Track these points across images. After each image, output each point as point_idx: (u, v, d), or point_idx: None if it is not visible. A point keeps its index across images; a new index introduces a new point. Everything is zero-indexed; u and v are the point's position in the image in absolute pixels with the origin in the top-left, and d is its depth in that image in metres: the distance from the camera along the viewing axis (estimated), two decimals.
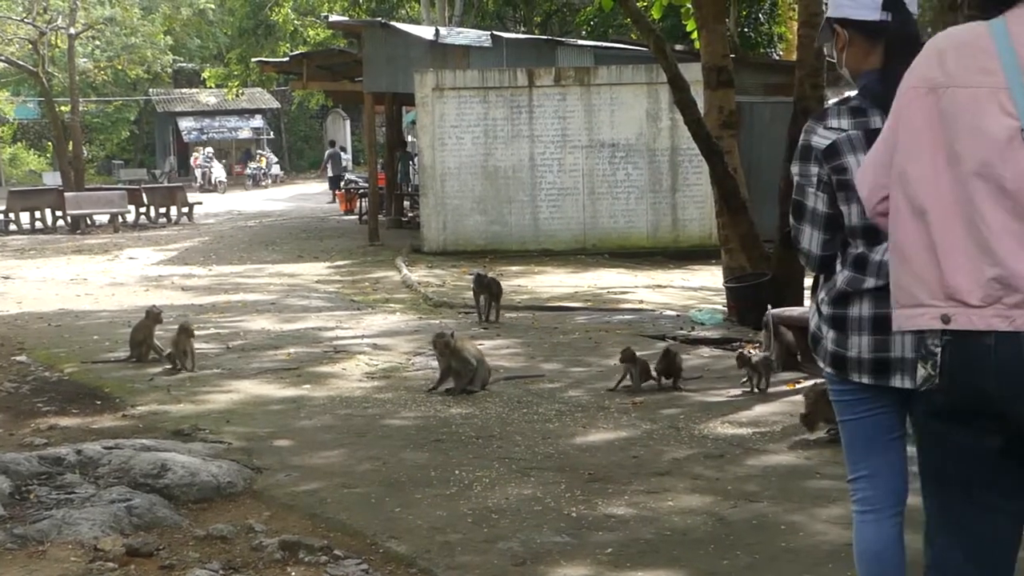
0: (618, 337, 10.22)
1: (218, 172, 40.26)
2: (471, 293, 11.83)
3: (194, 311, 12.34)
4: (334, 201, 30.82)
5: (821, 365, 3.03)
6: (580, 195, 18.63)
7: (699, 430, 6.63)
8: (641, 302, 13.24)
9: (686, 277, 16.21)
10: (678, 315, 11.78)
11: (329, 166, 29.96)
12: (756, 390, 7.57)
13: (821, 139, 2.94)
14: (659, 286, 15.12)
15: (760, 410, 7.09)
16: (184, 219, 26.89)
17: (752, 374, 7.58)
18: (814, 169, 2.95)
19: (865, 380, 2.90)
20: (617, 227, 18.66)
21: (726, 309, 11.43)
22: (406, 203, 25.81)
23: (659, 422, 6.86)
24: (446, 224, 18.59)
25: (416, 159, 22.01)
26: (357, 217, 25.83)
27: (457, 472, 5.71)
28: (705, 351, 9.57)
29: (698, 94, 11.53)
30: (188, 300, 13.50)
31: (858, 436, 3.00)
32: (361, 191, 26.43)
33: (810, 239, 2.99)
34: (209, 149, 42.08)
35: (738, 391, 7.65)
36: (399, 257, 17.75)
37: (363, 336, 10.49)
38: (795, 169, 3.00)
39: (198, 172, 40.82)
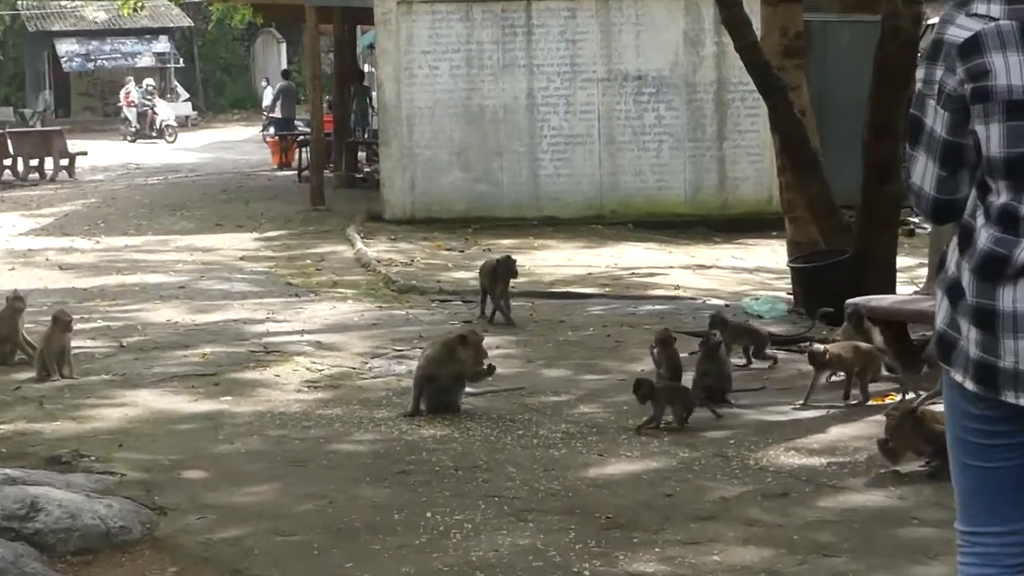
0: (645, 335, 10.18)
1: (164, 113, 38.67)
2: (451, 274, 11.76)
3: (75, 297, 12.29)
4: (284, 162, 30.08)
5: (959, 378, 2.88)
6: (595, 145, 18.59)
7: (755, 460, 6.60)
8: (677, 287, 13.21)
9: (738, 255, 16.18)
10: (727, 304, 11.76)
11: (279, 105, 29.64)
12: (847, 402, 7.61)
13: (959, 30, 2.83)
14: (701, 266, 15.09)
15: (838, 432, 7.08)
16: (63, 175, 26.81)
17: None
18: (939, 73, 2.87)
19: None
20: (645, 187, 18.63)
21: (791, 297, 11.41)
22: (361, 154, 25.75)
23: (701, 448, 6.83)
24: (415, 182, 18.55)
25: (375, 95, 21.94)
26: (295, 173, 25.78)
27: (429, 515, 5.67)
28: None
29: (753, 12, 11.49)
30: (67, 283, 13.45)
31: (1000, 487, 2.90)
32: (301, 138, 26.36)
33: (923, 173, 2.92)
34: (149, 81, 40.52)
35: (812, 406, 7.64)
36: (352, 226, 17.70)
37: (303, 332, 10.45)
38: (919, 74, 2.94)
39: (131, 113, 39.36)
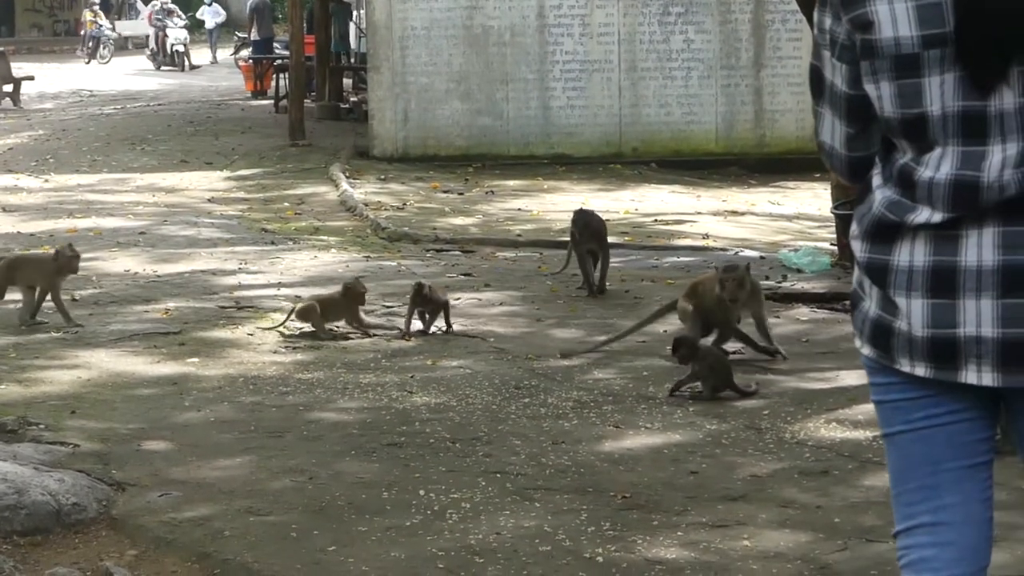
0: (670, 290, 10.21)
1: (175, 36, 37.41)
2: (448, 219, 11.73)
3: (20, 243, 12.30)
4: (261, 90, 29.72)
5: (857, 343, 2.92)
6: (615, 72, 18.55)
7: (791, 433, 6.63)
8: (706, 237, 13.22)
9: (775, 199, 16.17)
10: (763, 257, 11.77)
11: (256, 25, 29.34)
12: None
13: None
14: (734, 213, 15.09)
15: None
16: (6, 103, 26.75)
17: None
18: (828, 21, 2.85)
19: (919, 371, 2.80)
20: (671, 122, 18.61)
21: (836, 248, 11.42)
22: (347, 82, 25.69)
23: (731, 420, 6.87)
24: (408, 114, 18.53)
25: (362, 14, 21.87)
26: (272, 102, 25.71)
27: (422, 493, 5.71)
28: (803, 311, 9.59)
29: None
30: (11, 227, 13.46)
31: (913, 461, 2.91)
32: (278, 63, 26.28)
33: (832, 130, 2.93)
34: None
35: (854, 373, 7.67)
36: (336, 164, 17.69)
37: (280, 285, 10.48)
38: (815, 19, 2.91)
39: (150, 34, 38.34)
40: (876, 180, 2.86)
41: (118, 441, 6.47)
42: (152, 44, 38.09)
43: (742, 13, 18.51)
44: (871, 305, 2.86)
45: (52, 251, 9.38)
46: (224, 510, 5.54)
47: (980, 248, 2.70)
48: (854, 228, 2.89)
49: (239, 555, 5.06)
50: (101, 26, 39.09)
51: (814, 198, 15.62)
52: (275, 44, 28.79)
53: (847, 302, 10.44)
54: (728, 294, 7.82)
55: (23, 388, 7.46)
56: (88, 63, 38.03)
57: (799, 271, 10.97)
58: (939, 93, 2.70)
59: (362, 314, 8.87)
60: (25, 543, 5.21)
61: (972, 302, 2.71)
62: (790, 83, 18.48)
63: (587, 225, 10.09)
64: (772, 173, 17.74)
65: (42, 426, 6.65)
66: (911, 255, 2.77)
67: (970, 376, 2.75)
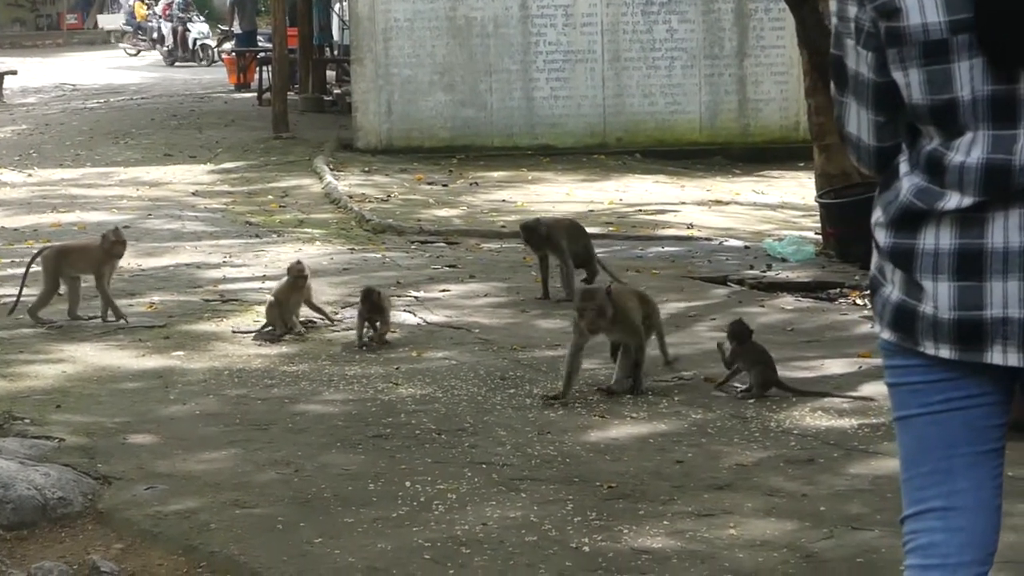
0: (654, 280, 10.22)
1: (198, 30, 36.60)
2: (433, 211, 11.72)
3: (4, 238, 12.28)
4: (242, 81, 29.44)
5: (878, 328, 2.93)
6: (598, 63, 18.55)
7: (777, 421, 6.64)
8: (691, 227, 13.23)
9: (759, 189, 16.19)
10: (747, 246, 11.78)
11: (237, 18, 29.14)
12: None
13: None
14: (718, 202, 15.10)
15: (871, 390, 7.11)
16: None
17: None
18: (851, 9, 2.83)
19: (944, 353, 2.81)
20: (655, 112, 18.61)
21: (820, 237, 11.44)
22: (330, 74, 25.64)
23: (716, 409, 6.88)
24: (391, 106, 18.51)
25: (345, 5, 21.84)
26: (256, 95, 25.68)
27: (408, 484, 5.71)
28: (788, 300, 9.60)
29: None
30: None
31: (928, 445, 2.92)
32: (261, 56, 26.23)
33: (858, 121, 2.90)
34: None
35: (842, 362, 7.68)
36: (320, 157, 17.67)
37: (264, 278, 10.46)
38: (832, 8, 2.90)
39: (167, 28, 37.14)
40: (903, 167, 2.85)
41: (104, 435, 6.46)
42: (169, 40, 37.12)
43: (725, 2, 18.51)
44: (893, 290, 2.86)
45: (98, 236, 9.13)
46: (210, 503, 5.54)
47: (1007, 230, 2.71)
48: (878, 215, 2.88)
49: (225, 547, 5.05)
50: (189, 21, 37.82)
51: (798, 187, 15.63)
52: (259, 37, 28.74)
53: (832, 291, 10.47)
54: (587, 325, 7.03)
55: (8, 383, 7.44)
56: (171, 63, 36.64)
57: (783, 260, 10.98)
58: (968, 78, 2.69)
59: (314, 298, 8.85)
60: (11, 537, 5.21)
61: (999, 284, 2.72)
62: (774, 72, 18.49)
63: (530, 236, 9.74)
64: (756, 162, 17.76)
65: (27, 420, 6.65)
66: (937, 239, 2.77)
67: (996, 357, 2.76)
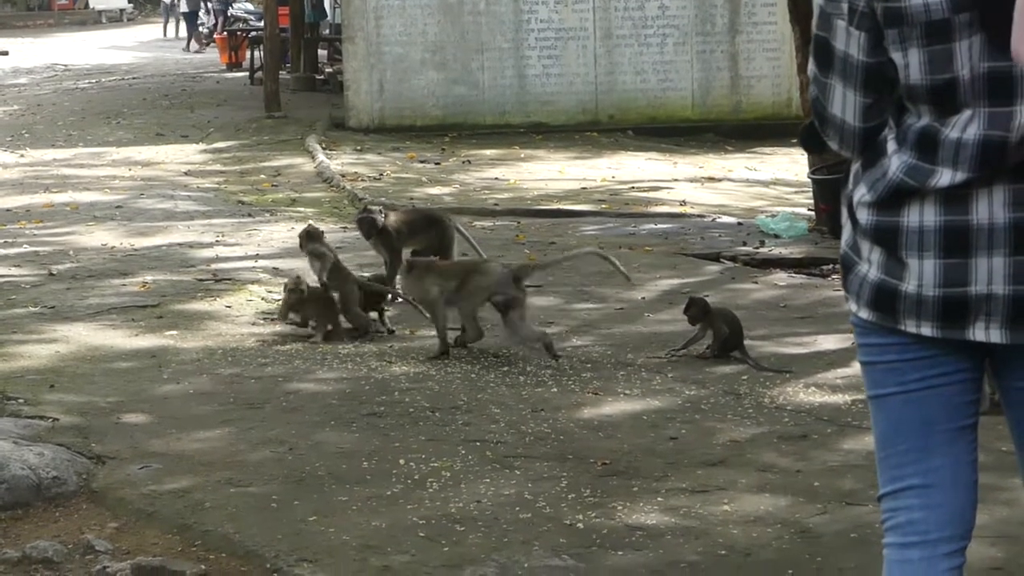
0: (647, 257, 10.22)
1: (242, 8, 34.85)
2: (425, 189, 11.68)
3: None
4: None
5: (853, 307, 2.91)
6: (590, 40, 18.52)
7: (770, 398, 6.65)
8: (683, 204, 13.22)
9: (752, 166, 16.18)
10: (740, 223, 11.77)
11: None
12: None
13: None
14: (711, 179, 15.09)
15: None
16: None
17: None
18: None
19: (926, 331, 2.81)
20: (647, 89, 18.59)
21: (812, 214, 11.44)
22: (322, 53, 25.59)
23: (710, 385, 6.88)
24: (383, 85, 18.48)
25: None
26: (247, 74, 25.63)
27: (402, 462, 5.71)
28: (781, 277, 9.61)
29: None
30: None
31: (904, 423, 2.92)
32: (253, 35, 26.18)
33: (843, 102, 2.87)
34: None
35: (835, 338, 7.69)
36: (312, 136, 17.64)
37: (257, 257, 10.46)
38: None
39: (202, 17, 35.68)
40: (891, 145, 2.84)
41: (97, 414, 6.46)
42: (207, 27, 35.68)
43: None
44: (870, 268, 2.85)
45: None
46: (204, 482, 5.54)
47: (991, 206, 2.71)
48: (862, 193, 2.87)
49: (220, 526, 5.06)
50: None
51: (791, 164, 15.61)
52: (248, 16, 28.65)
53: (825, 267, 10.49)
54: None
55: (1, 363, 7.43)
56: (201, 50, 35.21)
57: (776, 236, 10.98)
58: (968, 56, 2.69)
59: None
60: (6, 517, 5.21)
61: (984, 260, 2.73)
62: (766, 49, 18.48)
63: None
64: (748, 139, 17.75)
65: (21, 400, 6.65)
66: (921, 216, 2.77)
67: (978, 334, 2.77)
